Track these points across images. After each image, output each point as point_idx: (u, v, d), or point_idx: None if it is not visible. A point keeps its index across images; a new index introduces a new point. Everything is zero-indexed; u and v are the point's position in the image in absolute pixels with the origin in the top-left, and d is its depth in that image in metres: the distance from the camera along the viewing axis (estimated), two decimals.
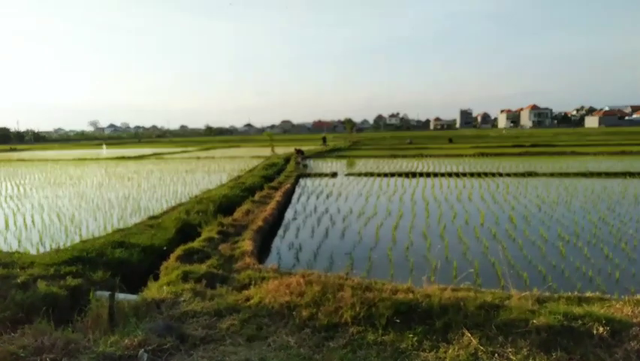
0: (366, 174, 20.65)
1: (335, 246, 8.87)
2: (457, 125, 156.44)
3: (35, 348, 3.91)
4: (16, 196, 15.57)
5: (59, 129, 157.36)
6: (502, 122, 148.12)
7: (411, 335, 4.14)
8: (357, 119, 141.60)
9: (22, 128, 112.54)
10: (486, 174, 19.61)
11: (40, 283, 5.82)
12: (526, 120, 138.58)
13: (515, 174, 19.41)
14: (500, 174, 19.55)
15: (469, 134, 79.45)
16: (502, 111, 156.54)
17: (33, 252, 8.06)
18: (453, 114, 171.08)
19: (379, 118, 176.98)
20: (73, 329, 4.49)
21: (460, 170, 21.35)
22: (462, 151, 33.76)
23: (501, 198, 13.62)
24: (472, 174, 19.68)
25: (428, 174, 20.14)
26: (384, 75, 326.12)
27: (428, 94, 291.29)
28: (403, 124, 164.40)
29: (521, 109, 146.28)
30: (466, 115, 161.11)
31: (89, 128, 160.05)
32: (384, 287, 5.14)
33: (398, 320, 4.38)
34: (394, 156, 31.49)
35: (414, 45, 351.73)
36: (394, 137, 71.81)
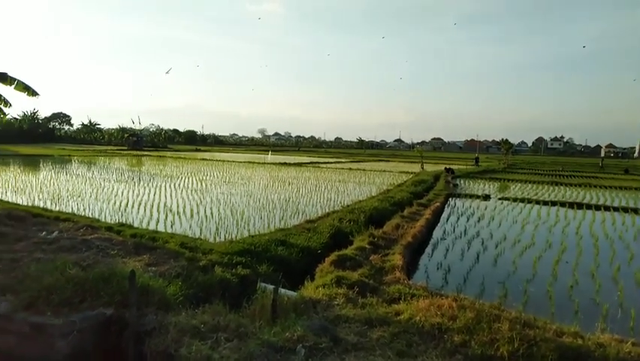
0: (522, 200, 19.07)
1: (486, 272, 8.43)
2: (636, 153, 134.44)
3: (213, 326, 4.44)
4: (200, 190, 18.08)
5: (234, 134, 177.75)
6: None
7: None
8: (514, 140, 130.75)
9: (206, 132, 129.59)
10: None
11: (217, 268, 6.68)
12: None
13: None
14: None
15: None
16: None
17: (211, 240, 9.27)
18: (631, 141, 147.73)
19: (539, 141, 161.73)
20: (242, 314, 5.07)
21: None
22: None
23: None
24: None
25: (598, 207, 17.74)
26: (548, 95, 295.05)
27: (600, 117, 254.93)
28: (567, 149, 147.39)
29: None
30: None
31: (258, 135, 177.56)
32: (546, 326, 4.75)
33: None
34: (556, 183, 28.47)
35: (586, 63, 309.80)
36: (556, 162, 64.78)
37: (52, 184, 18.26)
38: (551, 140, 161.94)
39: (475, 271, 8.53)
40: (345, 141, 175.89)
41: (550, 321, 5.12)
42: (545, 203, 18.54)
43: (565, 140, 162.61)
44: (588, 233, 12.46)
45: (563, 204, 18.19)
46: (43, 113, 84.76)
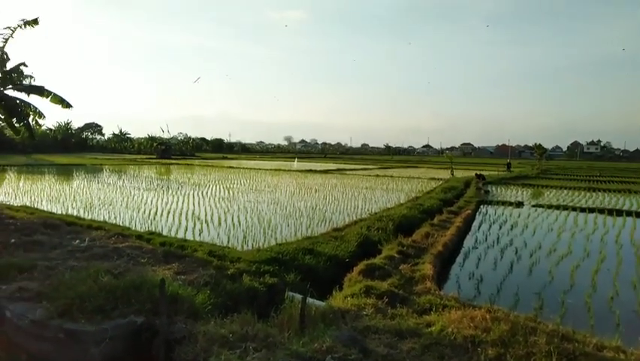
0: (557, 207, 18.46)
1: (521, 283, 8.15)
2: None
3: (241, 335, 4.40)
4: (227, 198, 18.28)
5: (261, 142, 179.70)
6: None
7: None
8: (548, 145, 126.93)
9: (233, 140, 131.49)
10: None
11: (245, 277, 6.68)
12: None
13: None
14: None
15: None
16: None
17: (239, 248, 9.30)
18: None
19: (575, 145, 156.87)
20: (270, 324, 5.03)
21: None
22: None
23: None
24: None
25: (639, 214, 17.03)
26: (583, 98, 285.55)
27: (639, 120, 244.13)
28: (605, 153, 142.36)
29: None
30: None
31: (284, 143, 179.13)
32: (586, 340, 4.54)
33: None
34: (593, 189, 27.47)
35: (623, 64, 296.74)
36: (593, 167, 62.72)
37: (84, 193, 18.81)
38: (587, 144, 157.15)
39: (509, 281, 8.27)
40: (372, 148, 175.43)
41: (589, 334, 4.89)
42: (582, 210, 17.90)
43: (602, 144, 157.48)
44: (629, 242, 11.95)
45: (601, 211, 17.51)
46: (76, 123, 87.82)
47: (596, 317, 6.47)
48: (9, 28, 11.67)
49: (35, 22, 11.79)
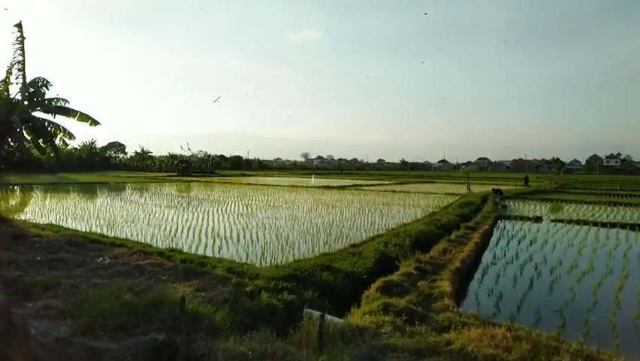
0: (577, 222, 18.13)
1: (541, 300, 8.01)
2: None
3: (260, 353, 4.42)
4: (246, 215, 18.45)
5: (278, 159, 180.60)
6: None
7: None
8: (566, 158, 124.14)
9: (251, 157, 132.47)
10: None
11: (264, 294, 6.70)
12: None
13: None
14: None
15: None
16: None
17: (257, 265, 9.34)
18: None
19: (594, 159, 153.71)
20: (289, 342, 5.05)
21: None
22: None
23: None
24: None
25: None
26: (602, 111, 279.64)
27: None
28: (625, 167, 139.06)
29: None
30: None
31: (301, 159, 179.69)
32: (611, 360, 4.45)
33: None
34: (614, 203, 26.87)
35: None
36: (613, 181, 61.36)
37: (107, 211, 19.17)
38: (607, 157, 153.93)
39: (529, 298, 8.14)
40: (388, 163, 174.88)
41: (615, 354, 4.80)
42: (603, 225, 17.53)
43: (622, 157, 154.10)
44: None
45: (623, 226, 17.12)
46: (100, 142, 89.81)
47: (622, 336, 6.31)
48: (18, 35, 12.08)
49: (19, 26, 12.26)
